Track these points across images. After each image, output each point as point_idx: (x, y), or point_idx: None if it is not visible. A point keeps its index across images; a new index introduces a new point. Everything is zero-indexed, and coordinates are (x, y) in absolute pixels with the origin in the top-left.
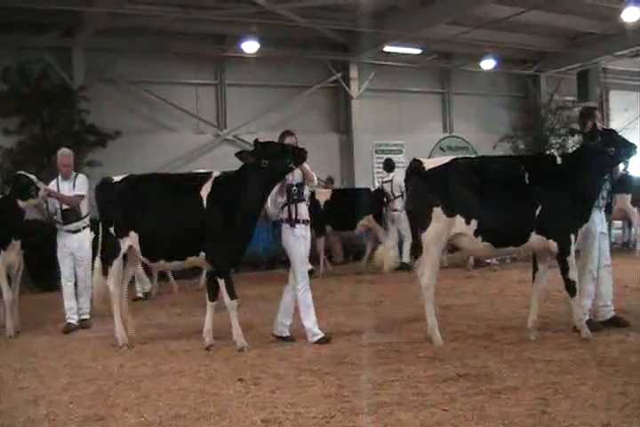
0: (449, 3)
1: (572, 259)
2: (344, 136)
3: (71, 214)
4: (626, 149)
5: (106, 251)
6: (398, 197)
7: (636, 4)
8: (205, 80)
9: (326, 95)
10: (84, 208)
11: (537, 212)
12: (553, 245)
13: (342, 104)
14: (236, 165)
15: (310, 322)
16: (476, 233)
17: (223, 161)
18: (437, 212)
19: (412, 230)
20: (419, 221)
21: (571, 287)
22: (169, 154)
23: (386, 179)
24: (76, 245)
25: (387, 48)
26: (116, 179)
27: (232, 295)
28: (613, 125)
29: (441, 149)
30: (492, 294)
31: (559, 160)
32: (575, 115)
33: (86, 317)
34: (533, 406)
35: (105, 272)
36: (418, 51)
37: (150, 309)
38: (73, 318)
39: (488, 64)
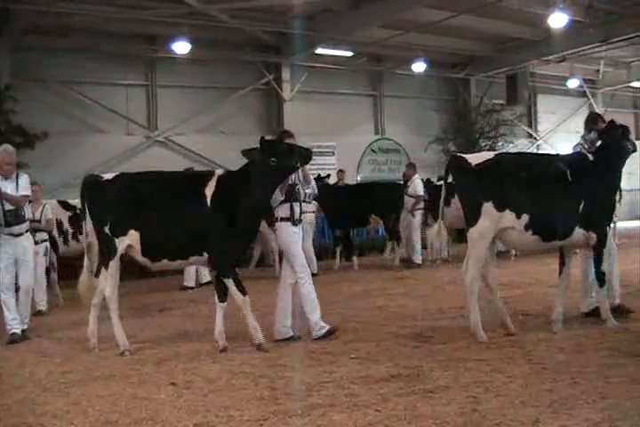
0: (380, 6)
1: (606, 251)
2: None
3: (15, 216)
4: (634, 145)
5: (102, 254)
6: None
7: (563, 11)
8: (136, 81)
9: (258, 97)
10: (27, 210)
11: (580, 207)
12: (593, 237)
13: (274, 106)
14: (165, 167)
15: (316, 316)
16: (527, 227)
17: (154, 163)
18: (487, 207)
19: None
20: (466, 217)
21: (601, 279)
22: (99, 156)
23: None
24: (20, 250)
25: (319, 50)
26: (107, 177)
27: (243, 293)
28: (541, 128)
29: (372, 151)
30: (423, 295)
31: (590, 157)
32: (503, 117)
33: (25, 327)
34: (464, 405)
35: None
36: (350, 53)
37: (79, 313)
38: (17, 328)
39: (419, 67)
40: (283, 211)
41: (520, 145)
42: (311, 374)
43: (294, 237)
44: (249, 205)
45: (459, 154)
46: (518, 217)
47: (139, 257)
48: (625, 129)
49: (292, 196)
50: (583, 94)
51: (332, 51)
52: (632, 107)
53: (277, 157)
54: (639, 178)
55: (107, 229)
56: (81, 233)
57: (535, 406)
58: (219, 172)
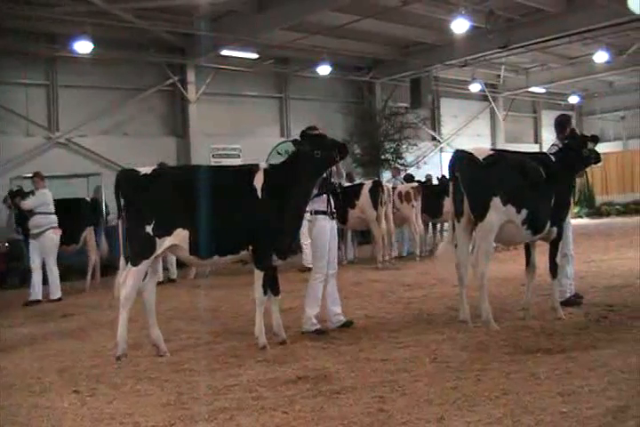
0: (285, 9)
1: (561, 245)
2: (181, 140)
3: None
4: (596, 155)
5: (133, 251)
6: None
7: (464, 17)
8: (36, 80)
9: (163, 98)
10: None
11: (552, 203)
12: (554, 231)
13: (179, 108)
14: (66, 169)
15: (313, 312)
16: (524, 222)
17: (55, 165)
18: (496, 201)
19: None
20: (475, 211)
21: (554, 270)
22: None
23: None
24: None
25: (224, 52)
26: (145, 171)
27: (265, 292)
28: (444, 131)
29: (278, 153)
30: None
31: (552, 158)
32: (407, 120)
33: None
34: (371, 405)
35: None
36: (255, 55)
37: None
38: None
39: (324, 70)
40: (319, 204)
41: (424, 148)
42: (217, 377)
43: (327, 232)
44: (295, 197)
45: (464, 149)
46: (518, 212)
47: (183, 255)
48: (586, 138)
49: (329, 189)
50: (485, 98)
51: (237, 53)
52: (531, 111)
53: (322, 150)
54: None
55: (149, 229)
56: None
57: (440, 404)
58: (263, 165)
